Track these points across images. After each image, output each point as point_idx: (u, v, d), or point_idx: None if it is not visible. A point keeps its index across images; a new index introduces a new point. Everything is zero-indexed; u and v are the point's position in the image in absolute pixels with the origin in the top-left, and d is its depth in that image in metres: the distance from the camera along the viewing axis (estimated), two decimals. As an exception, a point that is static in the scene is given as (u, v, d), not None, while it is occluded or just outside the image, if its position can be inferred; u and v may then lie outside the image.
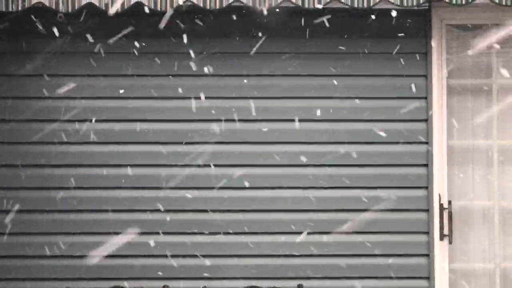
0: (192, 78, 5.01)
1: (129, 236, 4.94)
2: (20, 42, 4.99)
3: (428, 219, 4.97)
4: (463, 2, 4.66)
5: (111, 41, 4.97)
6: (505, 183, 5.13)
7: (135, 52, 4.99)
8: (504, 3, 4.66)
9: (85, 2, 4.66)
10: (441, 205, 5.01)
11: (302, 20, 4.98)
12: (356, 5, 4.71)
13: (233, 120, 4.99)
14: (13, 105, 4.97)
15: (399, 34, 5.01)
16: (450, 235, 5.00)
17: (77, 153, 4.96)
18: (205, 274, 4.92)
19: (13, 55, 4.99)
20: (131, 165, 4.97)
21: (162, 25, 4.91)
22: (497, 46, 5.11)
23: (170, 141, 4.98)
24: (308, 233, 4.95)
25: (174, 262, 4.94)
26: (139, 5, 4.69)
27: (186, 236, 4.96)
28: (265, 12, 4.77)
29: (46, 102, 4.99)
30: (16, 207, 4.92)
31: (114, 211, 4.96)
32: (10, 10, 4.72)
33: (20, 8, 4.71)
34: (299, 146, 4.99)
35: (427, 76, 5.03)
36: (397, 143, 4.99)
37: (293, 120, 5.00)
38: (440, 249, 5.00)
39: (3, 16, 4.89)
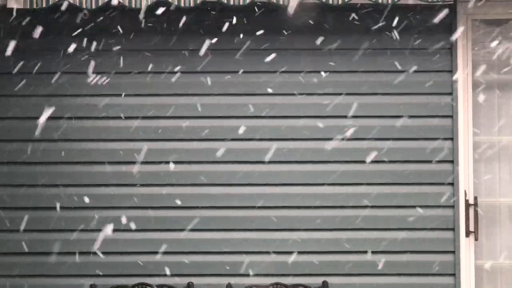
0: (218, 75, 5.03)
1: (153, 233, 4.95)
2: (44, 39, 4.99)
3: (453, 215, 4.94)
4: (489, -3, 4.65)
5: (133, 37, 4.99)
6: (532, 180, 5.11)
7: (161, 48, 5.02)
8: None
9: (109, -1, 4.68)
10: (466, 202, 4.98)
11: (325, 16, 4.96)
12: (380, 1, 4.68)
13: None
14: (33, 102, 5.00)
15: (424, 30, 4.98)
16: (476, 232, 4.98)
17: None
18: (230, 271, 4.92)
19: (37, 52, 5.01)
20: (141, 163, 4.98)
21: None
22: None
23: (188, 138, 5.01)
24: (333, 230, 4.93)
25: (199, 259, 4.94)
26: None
27: (210, 233, 4.95)
28: (289, 10, 4.76)
29: (68, 99, 5.01)
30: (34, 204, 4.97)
31: (135, 207, 4.97)
32: (35, 7, 4.72)
33: (44, 5, 4.72)
34: (326, 143, 4.97)
35: (452, 72, 4.99)
36: (423, 139, 4.96)
37: (317, 117, 4.98)
38: (466, 245, 4.97)
39: (28, 13, 4.89)
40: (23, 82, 4.98)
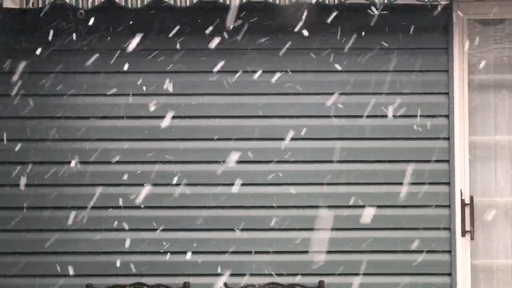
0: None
1: (149, 232, 4.95)
2: (40, 39, 5.00)
3: (450, 215, 4.95)
4: (485, -3, 4.65)
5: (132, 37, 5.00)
6: (527, 179, 5.12)
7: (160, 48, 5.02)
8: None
9: (105, -1, 4.67)
10: (462, 201, 4.99)
11: (320, 15, 4.96)
12: (377, 1, 4.68)
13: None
14: (31, 102, 5.01)
15: (421, 29, 4.99)
16: (472, 231, 4.98)
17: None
18: (226, 271, 4.92)
19: (33, 52, 5.01)
20: (144, 162, 4.99)
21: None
22: (519, 41, 5.10)
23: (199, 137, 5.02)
24: (330, 230, 4.94)
25: (195, 259, 4.94)
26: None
27: (207, 233, 4.95)
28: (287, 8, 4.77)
29: (66, 98, 5.01)
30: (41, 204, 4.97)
31: (133, 207, 4.97)
32: (31, 7, 4.72)
33: (40, 5, 4.71)
34: (323, 142, 4.98)
35: (448, 71, 5.00)
36: (419, 138, 4.97)
37: (309, 117, 4.99)
38: (462, 245, 4.97)
39: (24, 13, 4.89)
40: (19, 82, 4.99)
